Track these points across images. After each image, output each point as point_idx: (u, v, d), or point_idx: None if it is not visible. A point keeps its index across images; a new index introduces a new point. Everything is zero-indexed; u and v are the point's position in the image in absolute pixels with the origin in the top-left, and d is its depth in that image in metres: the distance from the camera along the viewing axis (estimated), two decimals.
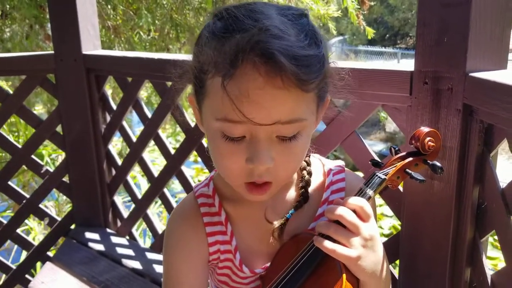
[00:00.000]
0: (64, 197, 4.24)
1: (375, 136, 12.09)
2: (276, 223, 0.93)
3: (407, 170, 0.92)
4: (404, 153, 0.95)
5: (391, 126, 12.16)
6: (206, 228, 0.98)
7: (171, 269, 1.00)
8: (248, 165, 0.79)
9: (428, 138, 0.93)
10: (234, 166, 0.82)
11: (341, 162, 1.04)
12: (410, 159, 0.94)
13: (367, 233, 0.83)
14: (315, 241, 0.83)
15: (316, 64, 0.77)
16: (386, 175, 0.91)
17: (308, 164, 0.99)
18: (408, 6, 22.67)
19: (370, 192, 0.88)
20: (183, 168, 1.84)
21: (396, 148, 0.98)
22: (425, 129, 0.94)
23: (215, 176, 1.03)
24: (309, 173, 0.98)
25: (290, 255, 0.90)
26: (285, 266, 0.89)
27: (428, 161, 0.94)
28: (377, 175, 0.90)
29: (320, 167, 1.02)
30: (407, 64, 1.17)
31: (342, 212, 0.82)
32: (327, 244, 0.81)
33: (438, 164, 0.92)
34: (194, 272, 0.99)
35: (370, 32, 3.97)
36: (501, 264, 3.85)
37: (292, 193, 0.99)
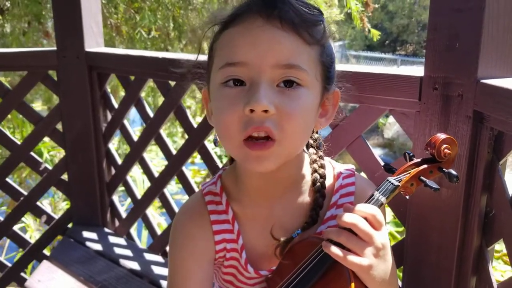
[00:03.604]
0: (60, 194, 4.22)
1: (373, 142, 12.09)
2: (281, 240, 0.93)
3: (422, 177, 0.89)
4: (418, 160, 0.92)
5: (389, 132, 12.18)
6: (212, 226, 0.97)
7: (177, 265, 0.99)
8: (246, 109, 0.78)
9: (444, 145, 0.89)
10: (233, 117, 0.81)
11: (351, 166, 1.02)
12: (425, 166, 0.90)
13: (379, 242, 0.81)
14: (324, 247, 0.81)
15: (315, 21, 0.85)
16: (399, 182, 0.88)
17: (322, 176, 0.96)
18: (408, 13, 22.75)
19: (382, 198, 0.85)
20: (184, 169, 1.83)
21: (411, 154, 0.95)
22: (441, 136, 0.90)
23: (223, 175, 1.03)
24: (322, 195, 0.95)
25: (298, 259, 0.89)
26: (292, 270, 0.88)
27: (444, 169, 0.90)
28: (390, 182, 0.88)
29: (330, 170, 1.01)
30: (407, 70, 1.16)
31: (355, 220, 0.80)
32: (338, 251, 0.79)
33: (454, 172, 0.88)
34: (200, 269, 0.98)
35: (376, 34, 3.96)
36: (497, 273, 3.86)
37: (302, 205, 0.97)
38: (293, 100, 0.81)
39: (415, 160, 0.93)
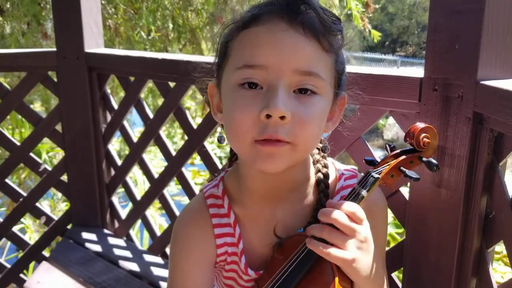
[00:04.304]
0: (59, 196, 4.22)
1: (373, 143, 12.09)
2: (279, 238, 0.93)
3: (402, 168, 0.89)
4: (398, 151, 0.92)
5: (389, 133, 12.18)
6: (214, 230, 0.97)
7: (178, 268, 0.99)
8: (263, 113, 0.78)
9: (423, 134, 0.90)
10: (247, 118, 0.80)
11: (354, 167, 1.02)
12: (404, 156, 0.91)
13: (362, 236, 0.82)
14: (308, 243, 0.82)
15: (336, 30, 0.84)
16: (379, 174, 0.88)
17: (326, 176, 0.96)
18: (408, 14, 22.76)
19: (363, 192, 0.86)
20: (183, 170, 1.82)
21: (392, 146, 0.94)
22: (420, 125, 0.90)
23: (225, 177, 1.02)
24: (326, 195, 0.95)
25: (286, 257, 0.89)
26: (278, 269, 0.88)
27: (424, 158, 0.90)
28: (371, 174, 0.88)
29: (333, 171, 1.00)
30: (407, 72, 1.16)
31: (337, 216, 0.80)
32: (321, 246, 0.80)
33: (434, 161, 0.88)
34: (200, 272, 0.98)
35: (376, 35, 3.95)
36: (498, 275, 3.86)
37: (305, 206, 0.96)
38: (308, 108, 0.81)
39: (395, 151, 0.92)
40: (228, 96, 0.86)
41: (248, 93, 0.81)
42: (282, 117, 0.78)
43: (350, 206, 0.83)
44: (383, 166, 0.91)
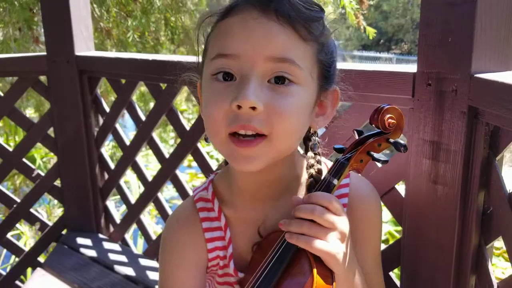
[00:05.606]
0: (55, 201, 4.19)
1: None
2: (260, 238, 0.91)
3: (370, 152, 0.87)
4: (365, 135, 0.90)
5: None
6: (205, 234, 0.94)
7: (167, 276, 0.97)
8: (233, 104, 0.76)
9: (387, 115, 0.86)
10: (219, 113, 0.78)
11: None
12: (372, 139, 0.88)
13: (342, 228, 0.79)
14: (288, 238, 0.79)
15: (313, 17, 0.82)
16: (348, 160, 0.86)
17: (317, 181, 0.92)
18: (402, 12, 22.80)
19: (334, 181, 0.84)
20: (178, 172, 1.80)
21: (359, 130, 0.92)
22: (384, 106, 0.88)
23: (214, 179, 1.00)
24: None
25: (263, 256, 0.86)
26: (257, 268, 0.86)
27: (391, 139, 0.88)
28: (340, 161, 0.86)
29: (325, 171, 0.98)
30: (400, 67, 1.14)
31: (316, 212, 0.78)
32: (304, 239, 0.77)
33: (401, 141, 0.86)
34: (190, 279, 0.95)
35: (371, 32, 3.91)
36: (498, 271, 3.83)
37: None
38: (284, 98, 0.78)
39: (362, 136, 0.90)
40: (204, 90, 0.84)
41: (221, 85, 0.80)
42: (254, 108, 0.75)
43: (325, 197, 0.80)
44: (351, 152, 0.88)
